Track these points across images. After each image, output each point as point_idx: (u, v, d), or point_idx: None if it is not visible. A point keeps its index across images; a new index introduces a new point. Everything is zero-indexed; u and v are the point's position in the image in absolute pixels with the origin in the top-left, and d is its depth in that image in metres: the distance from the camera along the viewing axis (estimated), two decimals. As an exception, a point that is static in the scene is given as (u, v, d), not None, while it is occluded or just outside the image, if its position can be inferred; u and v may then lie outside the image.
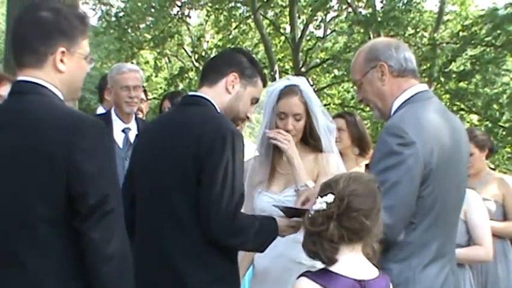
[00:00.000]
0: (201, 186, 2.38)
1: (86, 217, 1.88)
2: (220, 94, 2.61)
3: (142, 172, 2.59)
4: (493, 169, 5.66)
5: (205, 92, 2.61)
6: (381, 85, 2.45)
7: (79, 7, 5.39)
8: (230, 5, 18.92)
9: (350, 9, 17.61)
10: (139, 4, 18.61)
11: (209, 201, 2.36)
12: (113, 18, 19.02)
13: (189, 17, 19.57)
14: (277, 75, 16.81)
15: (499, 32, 15.16)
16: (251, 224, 2.46)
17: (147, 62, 22.31)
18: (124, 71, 4.32)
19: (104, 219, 1.89)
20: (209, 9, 19.42)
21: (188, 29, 20.80)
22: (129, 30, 18.93)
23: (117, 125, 4.27)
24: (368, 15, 16.83)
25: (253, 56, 3.00)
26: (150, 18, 18.91)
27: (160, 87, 21.71)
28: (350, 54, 16.06)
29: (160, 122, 2.77)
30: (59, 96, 2.03)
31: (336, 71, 19.25)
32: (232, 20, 19.54)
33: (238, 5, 19.22)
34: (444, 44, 16.85)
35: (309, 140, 3.22)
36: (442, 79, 16.52)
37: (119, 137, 4.21)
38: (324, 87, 20.19)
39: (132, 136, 4.21)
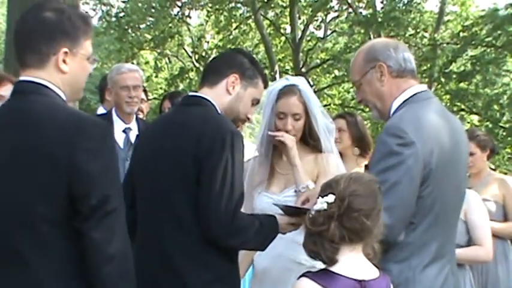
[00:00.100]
0: (201, 186, 2.39)
1: (87, 217, 1.88)
2: (221, 95, 2.61)
3: (143, 172, 2.59)
4: (494, 170, 5.67)
5: (206, 93, 2.61)
6: (380, 85, 2.45)
7: (79, 7, 5.39)
8: (230, 5, 18.92)
9: (350, 10, 17.62)
10: (140, 4, 18.61)
11: (208, 201, 2.37)
12: (113, 19, 19.02)
13: (190, 18, 19.58)
14: (277, 76, 16.82)
15: (499, 32, 15.18)
16: (251, 223, 2.46)
17: (147, 62, 22.32)
18: (123, 71, 4.34)
19: (105, 219, 1.89)
20: (209, 9, 19.42)
21: (188, 29, 20.80)
22: (130, 31, 18.92)
23: (118, 125, 4.28)
24: (368, 15, 16.84)
25: (254, 56, 3.00)
26: (151, 19, 18.90)
27: (161, 88, 21.71)
28: (350, 54, 16.05)
29: (161, 123, 2.78)
30: (61, 97, 2.03)
31: (336, 72, 19.27)
32: (233, 20, 19.54)
33: (239, 5, 19.22)
34: (444, 45, 16.86)
35: (309, 140, 3.23)
36: (443, 79, 16.54)
37: (119, 137, 4.22)
38: (324, 88, 20.21)
39: (132, 136, 4.22)
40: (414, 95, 2.42)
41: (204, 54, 19.89)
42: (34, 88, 1.99)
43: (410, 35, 16.72)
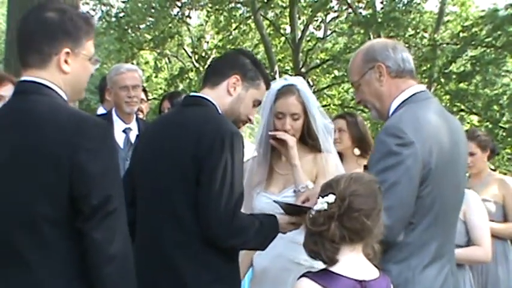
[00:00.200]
0: (200, 186, 2.39)
1: (89, 217, 1.89)
2: (222, 96, 2.61)
3: (143, 172, 2.60)
4: (494, 170, 5.67)
5: (207, 93, 2.61)
6: (378, 86, 2.46)
7: (79, 7, 5.39)
8: (230, 5, 18.91)
9: (350, 10, 17.60)
10: (140, 5, 18.60)
11: (208, 201, 2.37)
12: (113, 19, 19.01)
13: (189, 18, 19.56)
14: (277, 76, 16.80)
15: (499, 32, 15.16)
16: (251, 223, 2.46)
17: (147, 63, 22.33)
18: (122, 71, 4.34)
19: (106, 219, 1.89)
20: (209, 9, 19.41)
21: (188, 29, 20.80)
22: (129, 31, 18.91)
23: (118, 125, 4.28)
24: (368, 16, 16.82)
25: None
26: (150, 19, 18.89)
27: (161, 88, 21.71)
28: (350, 55, 15.98)
29: (161, 123, 2.78)
30: (62, 97, 2.03)
31: (336, 72, 19.26)
32: (233, 20, 19.53)
33: (239, 5, 19.20)
34: (444, 45, 16.85)
35: (307, 140, 3.23)
36: (442, 80, 16.53)
37: (119, 137, 4.22)
38: (324, 88, 20.21)
39: (133, 136, 4.23)
40: (413, 95, 2.43)
41: (203, 54, 19.89)
42: (35, 88, 2.00)
43: (410, 36, 16.70)
